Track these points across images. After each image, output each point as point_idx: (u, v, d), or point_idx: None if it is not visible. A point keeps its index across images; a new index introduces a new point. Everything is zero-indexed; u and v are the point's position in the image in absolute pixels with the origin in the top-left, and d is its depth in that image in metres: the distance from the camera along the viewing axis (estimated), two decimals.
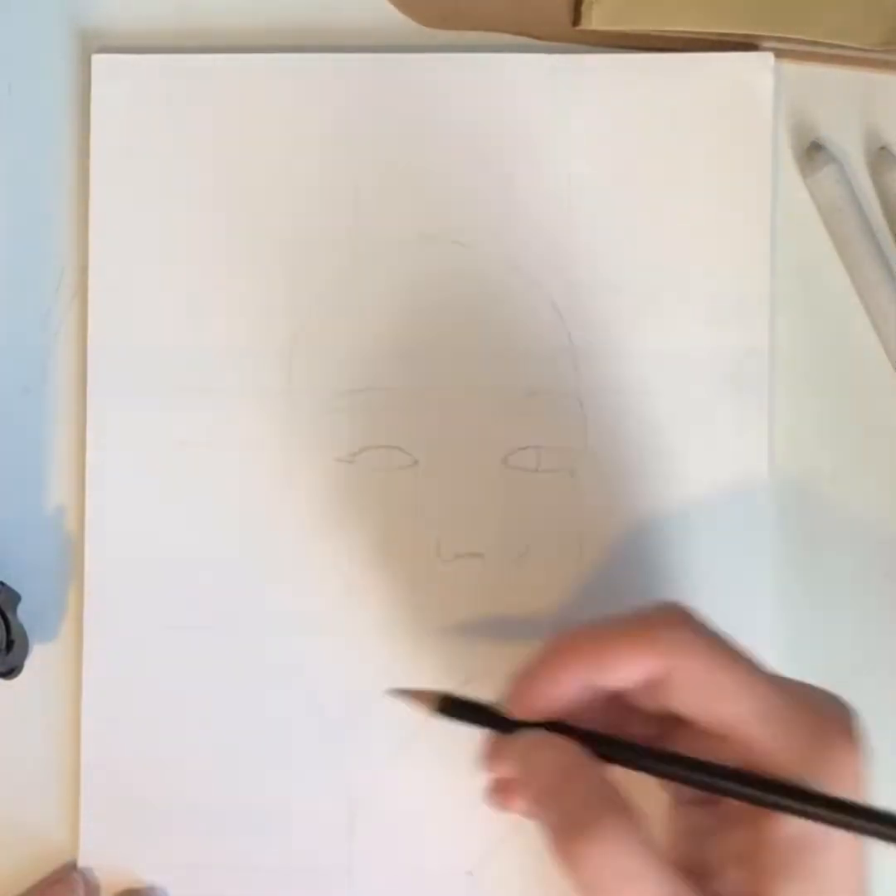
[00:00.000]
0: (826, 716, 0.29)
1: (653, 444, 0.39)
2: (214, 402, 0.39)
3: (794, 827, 0.28)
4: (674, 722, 0.31)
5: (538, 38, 0.40)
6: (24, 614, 0.38)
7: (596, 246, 0.39)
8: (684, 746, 0.30)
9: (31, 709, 0.39)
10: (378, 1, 0.40)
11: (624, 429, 0.39)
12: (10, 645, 0.37)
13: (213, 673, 0.39)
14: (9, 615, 0.38)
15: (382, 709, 0.38)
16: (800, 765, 0.29)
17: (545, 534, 0.39)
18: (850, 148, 0.40)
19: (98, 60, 0.39)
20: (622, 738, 0.31)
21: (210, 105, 0.39)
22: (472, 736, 0.33)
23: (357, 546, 0.39)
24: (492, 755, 0.33)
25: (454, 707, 0.33)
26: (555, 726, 0.31)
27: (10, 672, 0.38)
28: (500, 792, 0.34)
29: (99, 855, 0.38)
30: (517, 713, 0.31)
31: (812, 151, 0.39)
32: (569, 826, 0.28)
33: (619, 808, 0.29)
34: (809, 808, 0.28)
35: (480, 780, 0.34)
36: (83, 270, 0.40)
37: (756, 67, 0.39)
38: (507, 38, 0.40)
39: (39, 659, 0.39)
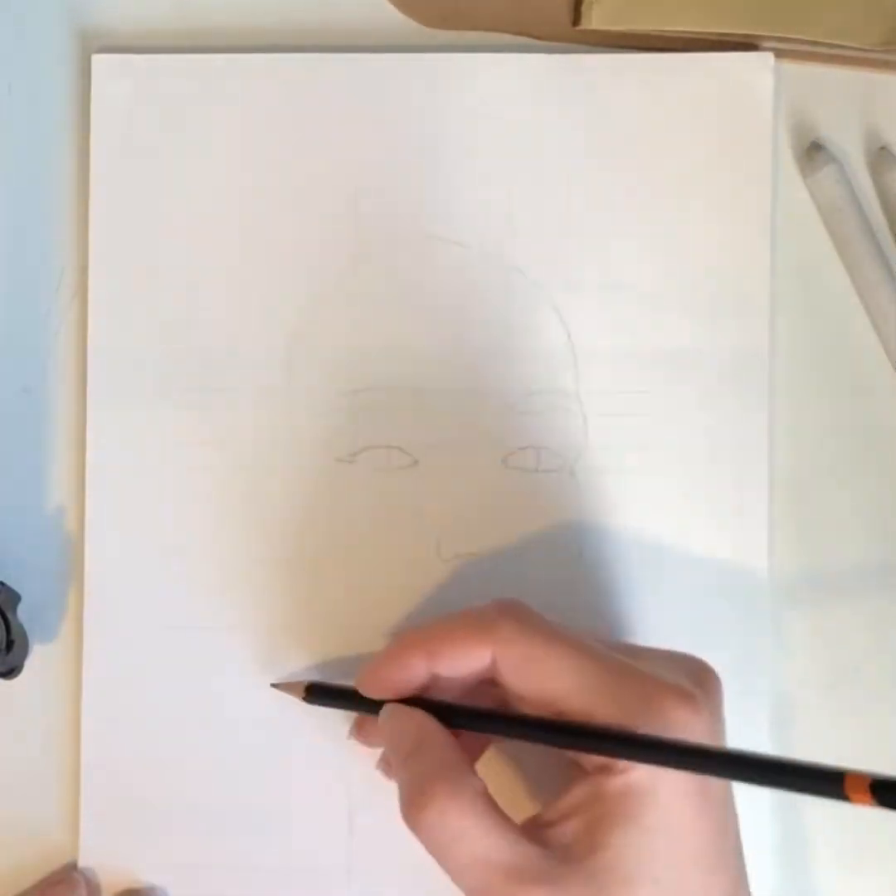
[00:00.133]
0: (659, 681, 0.31)
1: (653, 444, 0.39)
2: (214, 402, 0.39)
3: (624, 780, 0.30)
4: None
5: (538, 38, 0.40)
6: (24, 614, 0.38)
7: (596, 246, 0.39)
8: None
9: (31, 709, 0.39)
10: (378, 1, 0.40)
11: (624, 429, 0.39)
12: (10, 645, 0.37)
13: (213, 673, 0.39)
14: (9, 615, 0.38)
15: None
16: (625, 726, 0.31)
17: (545, 534, 0.39)
18: (850, 148, 0.40)
19: (98, 60, 0.39)
20: (467, 707, 0.34)
21: (210, 105, 0.39)
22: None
23: (357, 546, 0.39)
24: (359, 729, 0.37)
25: (320, 693, 0.37)
26: (411, 702, 0.34)
27: (10, 672, 0.38)
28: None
29: (99, 855, 0.38)
30: (366, 694, 0.35)
31: (812, 151, 0.39)
32: (413, 792, 0.32)
33: (454, 775, 0.32)
34: (622, 749, 0.30)
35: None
36: (83, 270, 0.40)
37: (756, 67, 0.39)
38: (507, 38, 0.40)
39: (39, 659, 0.39)
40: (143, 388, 0.39)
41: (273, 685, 0.38)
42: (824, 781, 0.27)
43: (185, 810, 0.38)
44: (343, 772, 0.38)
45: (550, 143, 0.39)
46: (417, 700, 0.34)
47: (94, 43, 0.40)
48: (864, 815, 0.39)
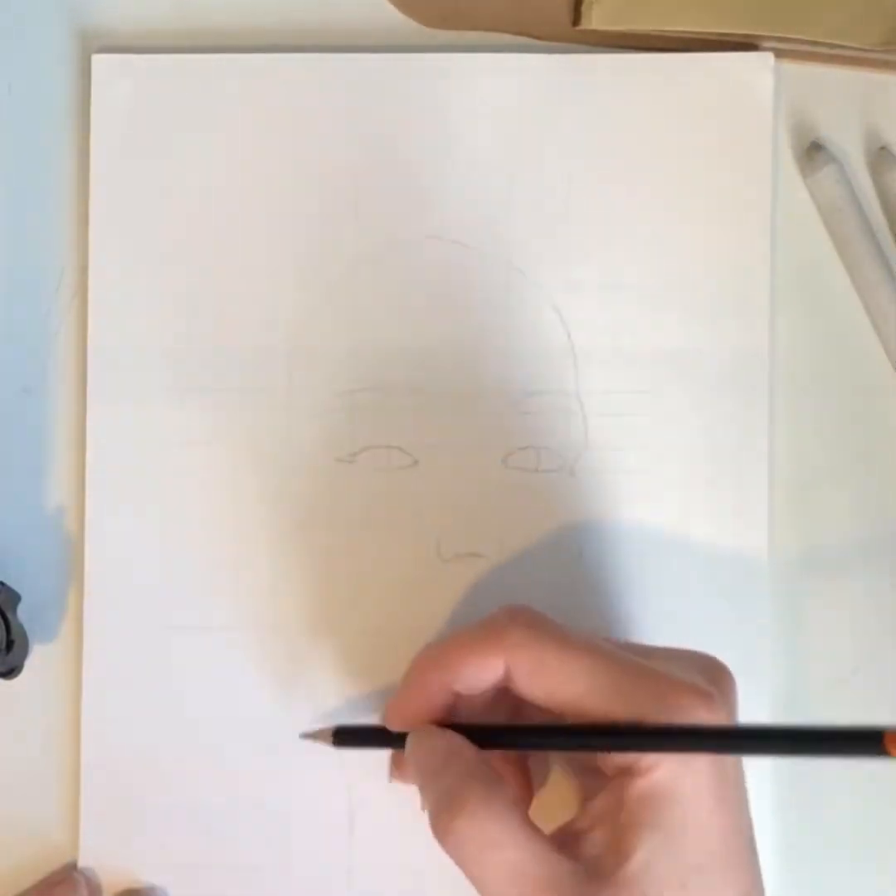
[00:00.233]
0: (674, 680, 0.31)
1: (652, 444, 0.39)
2: (214, 401, 0.39)
3: (645, 784, 0.30)
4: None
5: (538, 38, 0.40)
6: (24, 614, 0.38)
7: (596, 246, 0.39)
8: None
9: (31, 709, 0.39)
10: (378, 1, 0.40)
11: (624, 429, 0.39)
12: (10, 645, 0.37)
13: (213, 673, 0.39)
14: (9, 615, 0.38)
15: (382, 708, 0.38)
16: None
17: (545, 534, 0.39)
18: (850, 148, 0.40)
19: (98, 60, 0.39)
20: (491, 724, 0.34)
21: (210, 105, 0.39)
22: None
23: (357, 546, 0.39)
24: (397, 768, 0.37)
25: (349, 735, 0.37)
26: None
27: (10, 672, 0.38)
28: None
29: (99, 855, 0.38)
30: (394, 727, 0.35)
31: (812, 151, 0.39)
32: (442, 805, 0.31)
33: (486, 785, 0.31)
34: (646, 742, 0.30)
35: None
36: (83, 270, 0.40)
37: (756, 67, 0.39)
38: (507, 38, 0.40)
39: (39, 659, 0.39)
40: (143, 388, 0.39)
41: (302, 736, 0.38)
42: (863, 741, 0.28)
43: (185, 810, 0.38)
44: (343, 772, 0.38)
45: (550, 143, 0.39)
46: (445, 725, 0.33)
47: (94, 43, 0.40)
48: (864, 815, 0.39)
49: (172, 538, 0.39)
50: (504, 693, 0.34)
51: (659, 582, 0.38)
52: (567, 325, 0.39)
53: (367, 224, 0.39)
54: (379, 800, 0.38)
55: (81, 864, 0.38)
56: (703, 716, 0.30)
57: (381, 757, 0.38)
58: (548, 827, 0.32)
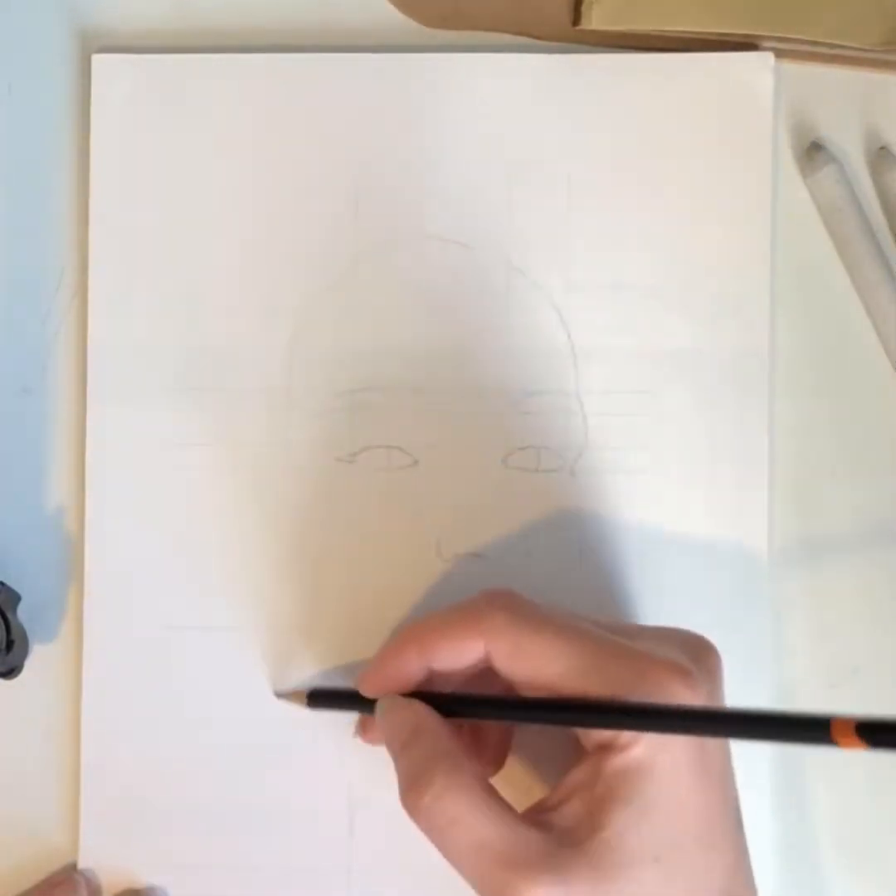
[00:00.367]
0: (653, 658, 0.31)
1: (652, 444, 0.39)
2: (214, 401, 0.39)
3: (622, 760, 0.30)
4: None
5: (538, 38, 0.40)
6: (24, 614, 0.38)
7: (596, 246, 0.39)
8: None
9: (31, 709, 0.39)
10: (378, 1, 0.40)
11: (624, 429, 0.39)
12: (10, 645, 0.37)
13: (213, 673, 0.39)
14: (9, 615, 0.38)
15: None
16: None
17: (545, 534, 0.39)
18: (850, 148, 0.40)
19: (98, 60, 0.39)
20: (461, 694, 0.35)
21: (210, 105, 0.39)
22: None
23: (357, 546, 0.39)
24: (363, 729, 0.38)
25: (322, 698, 0.38)
26: (408, 697, 0.34)
27: (10, 672, 0.38)
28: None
29: (99, 855, 0.38)
30: (366, 692, 0.35)
31: (812, 151, 0.39)
32: (410, 782, 0.32)
33: (452, 760, 0.32)
34: (602, 719, 0.31)
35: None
36: (83, 270, 0.40)
37: (756, 67, 0.39)
38: (507, 38, 0.40)
39: (39, 659, 0.39)
40: (143, 388, 0.39)
41: (276, 694, 0.38)
42: (812, 728, 0.27)
43: (185, 810, 0.38)
44: (343, 772, 0.38)
45: (550, 143, 0.39)
46: (414, 694, 0.34)
47: (94, 43, 0.40)
48: (864, 815, 0.39)
49: (172, 538, 0.39)
50: (489, 672, 0.34)
51: (659, 581, 0.38)
52: (567, 325, 0.39)
53: (367, 224, 0.39)
54: (379, 800, 0.38)
55: (81, 864, 0.38)
56: (681, 692, 0.31)
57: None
58: (522, 800, 0.32)
